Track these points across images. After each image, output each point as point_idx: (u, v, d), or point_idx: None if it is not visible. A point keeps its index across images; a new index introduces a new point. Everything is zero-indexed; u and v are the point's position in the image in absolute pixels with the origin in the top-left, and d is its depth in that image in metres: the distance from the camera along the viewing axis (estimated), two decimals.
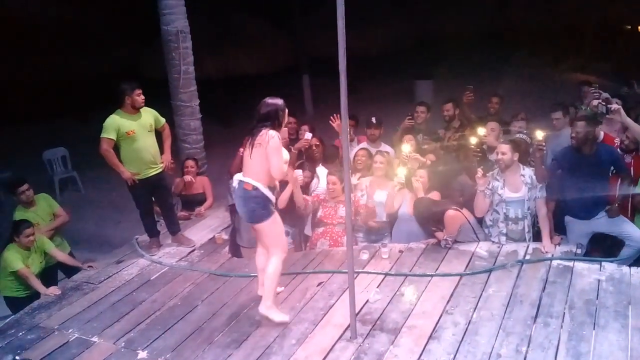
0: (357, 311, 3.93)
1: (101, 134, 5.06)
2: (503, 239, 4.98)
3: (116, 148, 5.17)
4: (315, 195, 5.39)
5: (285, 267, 4.86)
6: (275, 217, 4.04)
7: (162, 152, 5.46)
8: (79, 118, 11.34)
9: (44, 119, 12.04)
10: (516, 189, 4.90)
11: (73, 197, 5.98)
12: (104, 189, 8.74)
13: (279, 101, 3.97)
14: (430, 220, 5.06)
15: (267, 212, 3.96)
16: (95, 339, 4.10)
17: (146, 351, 3.90)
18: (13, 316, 4.55)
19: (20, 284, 4.79)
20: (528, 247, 4.84)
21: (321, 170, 5.68)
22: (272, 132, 3.86)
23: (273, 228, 4.03)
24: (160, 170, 5.41)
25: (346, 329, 3.90)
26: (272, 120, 3.91)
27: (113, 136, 5.07)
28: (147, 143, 5.28)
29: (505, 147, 4.91)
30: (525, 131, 5.71)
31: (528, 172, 4.89)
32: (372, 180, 5.40)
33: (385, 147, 6.10)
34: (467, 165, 5.50)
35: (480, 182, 4.92)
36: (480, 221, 5.17)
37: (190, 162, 6.42)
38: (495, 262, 4.67)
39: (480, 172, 4.92)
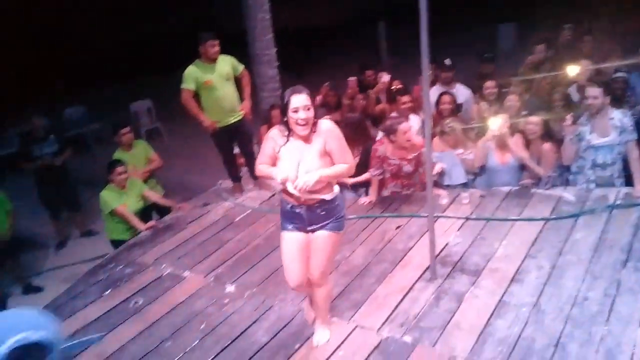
0: (436, 253, 3.94)
1: (181, 85, 5.24)
2: (591, 186, 4.77)
3: (197, 97, 5.33)
4: (376, 156, 5.01)
5: (362, 211, 4.94)
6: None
7: (241, 99, 5.57)
8: (162, 74, 11.75)
9: (131, 76, 12.61)
10: (605, 133, 4.63)
11: (158, 147, 6.28)
12: (186, 140, 9.11)
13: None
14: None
15: (344, 220, 3.18)
16: (186, 273, 4.37)
17: (233, 285, 4.12)
18: (111, 252, 4.92)
19: (123, 226, 5.10)
20: (619, 192, 4.60)
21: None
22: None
23: (338, 244, 3.24)
24: (240, 117, 5.54)
25: (426, 270, 3.93)
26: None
27: (192, 86, 5.22)
28: (226, 91, 5.39)
29: (596, 91, 4.62)
30: (623, 70, 5.34)
31: (618, 114, 4.59)
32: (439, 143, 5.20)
33: (460, 89, 5.94)
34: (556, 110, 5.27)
35: (570, 130, 4.69)
36: (567, 169, 4.97)
37: (276, 112, 6.50)
38: (583, 207, 4.49)
39: (569, 119, 4.68)
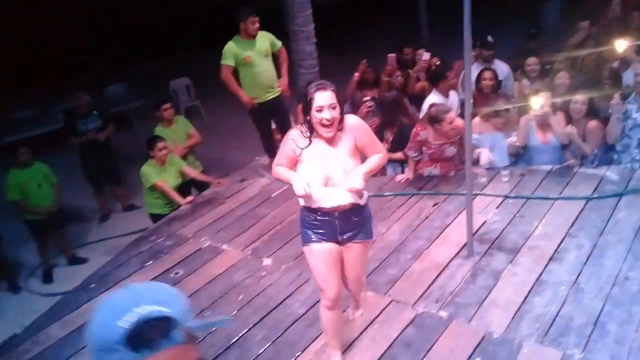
0: (474, 231, 3.92)
1: (221, 61, 5.28)
2: (636, 165, 4.63)
3: (235, 74, 5.38)
4: (415, 139, 4.92)
5: (399, 189, 4.93)
6: None
7: (279, 76, 5.59)
8: (201, 51, 11.87)
9: (170, 53, 12.77)
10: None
11: (196, 125, 6.38)
12: (224, 117, 9.20)
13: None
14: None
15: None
16: (224, 246, 4.47)
17: (270, 259, 4.19)
18: (153, 225, 5.06)
19: (162, 200, 5.23)
20: None
21: (433, 98, 5.50)
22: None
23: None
24: (278, 94, 5.57)
25: (462, 247, 3.91)
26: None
27: (231, 62, 5.26)
28: (264, 68, 5.42)
29: None
30: None
31: None
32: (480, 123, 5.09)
33: (499, 65, 5.82)
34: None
35: (617, 108, 4.55)
36: (610, 148, 4.84)
37: None
38: (626, 186, 4.37)
39: (617, 97, 4.53)
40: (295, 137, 2.66)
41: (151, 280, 4.11)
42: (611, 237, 3.80)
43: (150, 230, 4.95)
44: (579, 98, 4.80)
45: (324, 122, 2.53)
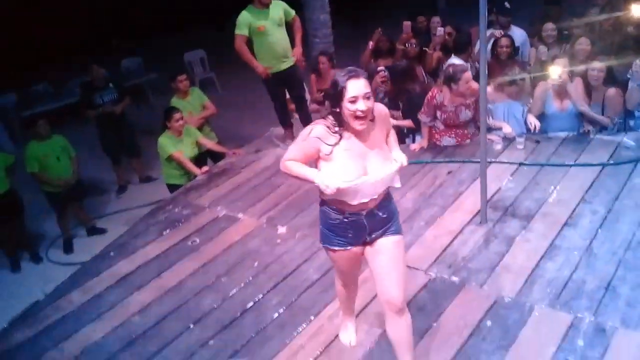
0: (488, 198, 3.92)
1: (235, 31, 5.27)
2: None
3: (250, 44, 5.37)
4: (431, 103, 4.88)
5: (413, 157, 4.92)
6: None
7: (293, 45, 5.57)
8: (215, 24, 11.81)
9: (185, 27, 12.75)
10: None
11: (211, 97, 6.41)
12: (239, 90, 9.21)
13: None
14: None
15: None
16: (240, 215, 4.53)
17: (285, 227, 4.24)
18: (170, 195, 5.14)
19: (179, 171, 5.28)
20: None
21: (454, 61, 5.46)
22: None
23: None
24: (292, 63, 5.55)
25: (476, 214, 3.92)
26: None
27: (245, 32, 5.24)
28: (278, 37, 5.38)
29: None
30: None
31: None
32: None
33: (516, 31, 5.73)
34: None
35: (638, 75, 4.46)
36: (629, 114, 4.76)
37: (322, 58, 6.49)
38: None
39: (638, 63, 4.44)
40: (321, 134, 2.32)
41: (169, 248, 4.21)
42: (626, 202, 3.78)
43: (167, 200, 5.03)
44: (597, 65, 4.71)
45: (359, 114, 2.25)
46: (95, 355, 3.23)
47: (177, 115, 5.12)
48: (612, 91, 4.67)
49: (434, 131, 5.04)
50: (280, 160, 2.50)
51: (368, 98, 2.26)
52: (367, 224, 2.48)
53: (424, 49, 6.16)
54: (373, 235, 2.53)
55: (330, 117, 2.35)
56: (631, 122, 4.74)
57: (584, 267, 3.25)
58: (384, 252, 2.52)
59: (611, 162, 4.27)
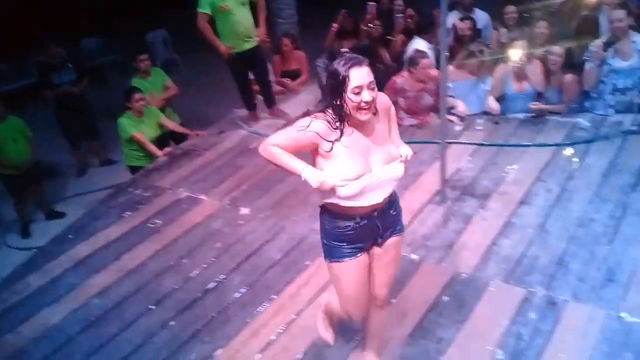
0: (447, 178, 3.99)
1: (197, 9, 5.18)
2: (610, 111, 4.72)
3: (213, 23, 5.29)
4: (392, 87, 4.96)
5: None
6: None
7: (257, 25, 5.51)
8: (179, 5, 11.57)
9: (146, 9, 12.44)
10: (627, 57, 4.53)
11: (174, 78, 6.31)
12: (203, 71, 9.08)
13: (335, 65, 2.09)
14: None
15: None
16: (203, 197, 4.50)
17: (248, 208, 4.24)
18: (131, 177, 5.07)
19: (140, 152, 5.20)
20: (635, 117, 4.55)
21: (418, 43, 5.50)
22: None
23: None
24: (256, 43, 5.49)
25: (436, 193, 3.99)
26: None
27: (208, 10, 5.16)
28: (242, 16, 5.32)
29: (621, 13, 4.49)
30: None
31: (639, 37, 4.48)
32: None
33: (479, 13, 5.80)
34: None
35: (597, 56, 4.57)
36: (586, 95, 4.90)
37: (286, 39, 6.45)
38: (597, 133, 4.46)
39: (598, 44, 4.55)
40: (320, 130, 2.07)
41: (129, 230, 4.16)
42: (579, 181, 3.91)
43: (128, 182, 4.96)
44: (556, 50, 4.80)
45: (363, 105, 2.03)
46: (54, 338, 3.19)
47: (137, 96, 5.03)
48: (569, 77, 4.78)
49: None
50: (262, 143, 2.18)
51: (372, 88, 2.05)
52: (380, 224, 2.27)
53: (387, 36, 6.18)
54: (384, 236, 2.33)
55: (330, 110, 2.11)
56: (587, 103, 4.87)
57: (537, 243, 3.35)
58: (389, 251, 2.37)
59: (566, 142, 4.39)
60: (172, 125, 5.51)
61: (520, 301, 2.96)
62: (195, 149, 5.37)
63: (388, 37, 6.12)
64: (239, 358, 2.89)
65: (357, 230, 2.22)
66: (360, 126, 2.12)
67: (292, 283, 3.36)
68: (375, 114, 2.15)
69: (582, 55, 4.87)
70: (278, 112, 5.86)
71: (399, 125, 4.92)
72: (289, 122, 5.70)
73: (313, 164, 2.17)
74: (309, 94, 6.30)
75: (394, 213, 2.33)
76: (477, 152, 4.53)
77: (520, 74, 4.89)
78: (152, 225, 4.19)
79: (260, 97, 5.92)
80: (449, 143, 4.46)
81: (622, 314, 2.78)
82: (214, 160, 5.11)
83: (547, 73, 4.87)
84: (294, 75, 6.49)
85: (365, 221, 2.21)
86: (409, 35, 5.87)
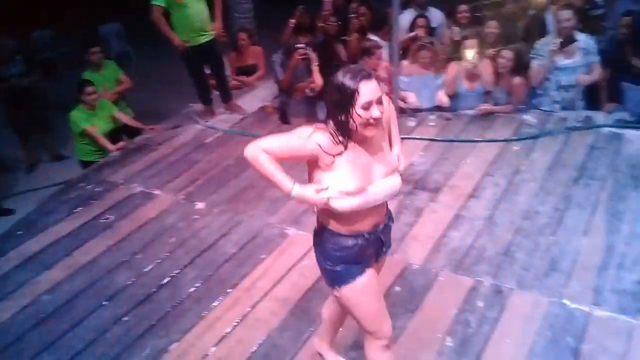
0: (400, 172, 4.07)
1: (151, 1, 5.11)
2: (556, 107, 4.91)
3: (167, 16, 5.23)
4: None
5: None
6: None
7: (213, 19, 5.48)
8: None
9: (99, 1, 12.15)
10: (571, 55, 4.72)
11: (128, 72, 6.20)
12: (158, 65, 8.94)
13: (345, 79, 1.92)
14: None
15: None
16: (157, 192, 4.45)
17: (203, 203, 4.23)
18: (82, 171, 4.96)
19: (92, 147, 5.10)
20: (578, 114, 4.76)
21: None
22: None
23: None
24: (211, 37, 5.46)
25: None
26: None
27: (162, 3, 5.10)
28: (197, 10, 5.28)
29: (568, 13, 4.68)
30: None
31: (583, 37, 4.69)
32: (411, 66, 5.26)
33: (434, 12, 5.92)
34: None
35: (554, 56, 4.72)
36: (532, 92, 5.08)
37: (242, 34, 6.42)
38: (543, 129, 4.64)
39: (556, 44, 4.70)
40: (323, 143, 1.94)
41: (81, 226, 4.08)
42: (525, 175, 4.06)
43: (79, 177, 4.86)
44: (506, 54, 4.91)
45: (372, 121, 1.92)
46: (3, 335, 3.11)
47: (89, 89, 4.93)
48: (517, 80, 4.92)
49: None
50: (250, 145, 1.98)
51: (381, 102, 1.93)
52: (383, 237, 2.20)
53: (343, 36, 6.23)
54: (383, 251, 2.26)
55: (331, 123, 1.98)
56: (534, 100, 5.05)
57: (485, 235, 3.48)
58: (379, 268, 2.34)
59: (514, 138, 4.56)
60: (126, 119, 5.42)
61: (468, 290, 3.07)
62: (149, 143, 5.30)
63: (344, 37, 6.18)
64: (193, 352, 2.89)
65: (363, 247, 2.10)
66: (363, 140, 2.00)
67: (248, 276, 3.37)
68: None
69: (529, 54, 5.04)
70: (234, 106, 5.85)
71: None
72: (245, 116, 5.71)
73: (309, 175, 2.07)
74: (265, 89, 6.30)
75: (391, 224, 2.27)
76: (429, 147, 4.64)
77: (471, 73, 5.03)
78: (104, 220, 4.12)
79: (216, 92, 5.89)
80: (403, 139, 4.55)
81: (564, 301, 2.92)
82: (169, 155, 5.06)
83: (497, 74, 5.02)
84: (250, 70, 6.48)
85: (372, 236, 2.12)
86: (363, 33, 5.94)
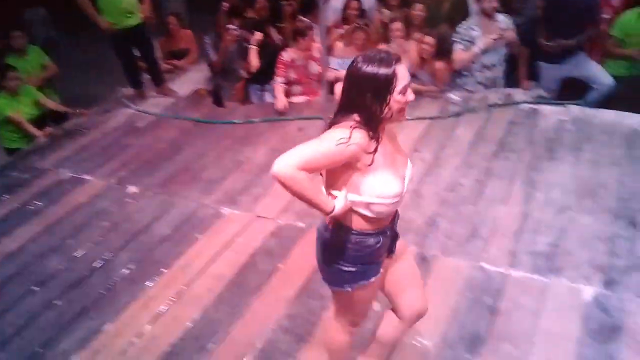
0: None
1: None
2: (480, 87, 5.13)
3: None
4: (282, 63, 5.11)
5: (265, 115, 5.03)
6: None
7: (141, 1, 5.37)
8: None
9: None
10: (491, 35, 4.94)
11: (55, 57, 6.00)
12: (86, 49, 8.67)
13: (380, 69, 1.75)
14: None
15: None
16: (87, 177, 4.38)
17: (136, 186, 4.19)
18: (8, 159, 4.80)
19: (17, 134, 4.94)
20: (500, 92, 5.00)
21: None
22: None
23: None
24: (140, 20, 5.36)
25: None
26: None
27: None
28: None
29: None
30: None
31: (502, 17, 4.92)
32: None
33: None
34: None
35: (490, 44, 4.88)
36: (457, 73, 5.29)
37: (172, 18, 6.33)
38: (466, 106, 4.86)
39: (496, 35, 4.86)
40: (362, 141, 1.75)
41: (8, 213, 3.97)
42: (450, 150, 4.26)
43: (4, 164, 4.70)
44: (428, 39, 5.02)
45: (406, 105, 1.82)
46: None
47: (11, 74, 4.77)
48: (440, 64, 5.07)
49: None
50: (278, 163, 1.77)
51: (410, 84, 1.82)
52: (392, 234, 2.07)
53: (276, 23, 6.25)
54: (395, 244, 2.14)
55: (358, 117, 1.78)
56: (458, 80, 5.26)
57: (412, 207, 3.63)
58: (402, 263, 2.20)
59: (439, 115, 4.75)
60: (52, 104, 5.26)
61: None
62: (79, 128, 5.18)
63: (277, 24, 6.20)
64: (128, 331, 2.91)
65: (384, 243, 1.98)
66: (384, 130, 1.88)
67: (183, 256, 3.40)
68: None
69: (452, 37, 5.23)
70: (167, 90, 5.78)
71: (291, 103, 5.11)
72: (178, 100, 5.66)
73: (330, 177, 1.91)
74: (198, 72, 6.25)
75: (398, 220, 2.11)
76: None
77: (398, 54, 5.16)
78: (32, 207, 4.03)
79: (147, 76, 5.80)
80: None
81: (483, 264, 3.12)
82: (99, 140, 4.97)
83: (422, 58, 5.18)
84: (182, 54, 6.41)
85: (391, 231, 2.02)
86: (294, 17, 5.98)
